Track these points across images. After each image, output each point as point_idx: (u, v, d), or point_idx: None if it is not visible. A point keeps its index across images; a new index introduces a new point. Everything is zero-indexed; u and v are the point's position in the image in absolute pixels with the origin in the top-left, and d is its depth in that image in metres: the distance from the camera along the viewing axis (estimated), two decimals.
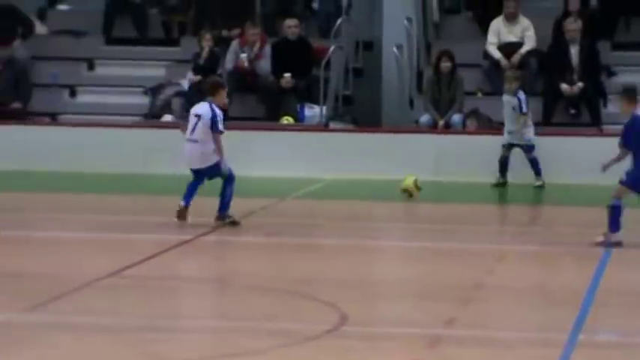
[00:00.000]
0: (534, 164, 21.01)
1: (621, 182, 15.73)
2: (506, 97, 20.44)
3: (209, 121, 16.26)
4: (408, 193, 19.27)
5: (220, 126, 16.37)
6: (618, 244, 15.39)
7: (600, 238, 15.46)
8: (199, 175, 16.75)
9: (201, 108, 16.53)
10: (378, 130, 23.24)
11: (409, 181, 19.36)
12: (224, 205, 16.62)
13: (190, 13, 25.09)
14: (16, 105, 22.98)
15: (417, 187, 19.38)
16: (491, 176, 21.00)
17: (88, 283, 12.66)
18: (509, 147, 20.81)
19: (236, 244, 16.56)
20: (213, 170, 16.59)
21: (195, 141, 16.42)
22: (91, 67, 24.17)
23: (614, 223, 15.50)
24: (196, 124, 16.38)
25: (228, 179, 16.63)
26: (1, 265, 13.98)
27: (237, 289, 13.55)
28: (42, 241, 16.51)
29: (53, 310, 11.99)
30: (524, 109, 19.94)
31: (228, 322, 11.77)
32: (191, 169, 16.79)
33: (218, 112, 16.42)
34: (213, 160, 16.50)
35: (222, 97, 17.10)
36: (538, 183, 21.00)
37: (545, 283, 14.59)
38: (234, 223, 16.57)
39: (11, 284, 13.05)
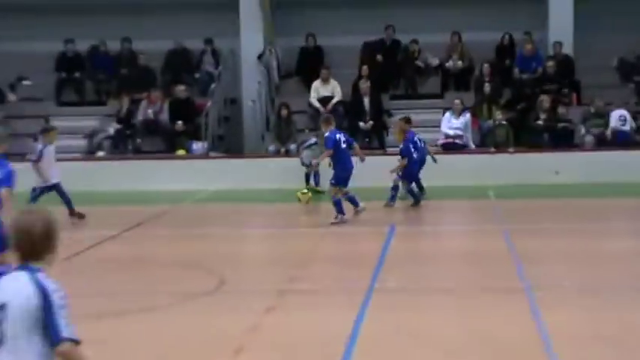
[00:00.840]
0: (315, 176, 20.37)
1: (331, 183, 16.24)
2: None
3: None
4: (298, 199, 18.96)
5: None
6: (344, 222, 15.84)
7: (333, 220, 15.86)
8: None
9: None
10: (242, 156, 23.25)
11: (298, 194, 19.09)
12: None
13: (114, 83, 24.74)
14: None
15: (302, 194, 19.10)
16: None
17: None
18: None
19: (153, 235, 16.06)
20: None
21: None
22: (46, 121, 23.67)
23: (340, 210, 15.94)
24: None
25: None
26: None
27: (148, 264, 13.38)
28: None
29: None
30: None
31: (138, 285, 11.88)
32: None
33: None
34: None
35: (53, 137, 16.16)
36: (318, 189, 20.15)
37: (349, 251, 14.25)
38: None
39: None
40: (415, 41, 24.24)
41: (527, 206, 18.81)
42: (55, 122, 23.75)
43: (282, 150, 22.69)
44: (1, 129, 18.29)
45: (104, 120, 24.07)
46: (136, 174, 21.69)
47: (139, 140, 23.23)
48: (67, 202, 16.70)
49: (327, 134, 16.54)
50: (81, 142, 23.56)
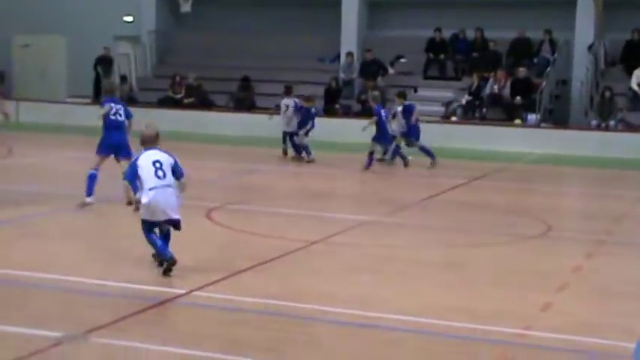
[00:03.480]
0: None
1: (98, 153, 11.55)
2: None
3: None
4: None
5: None
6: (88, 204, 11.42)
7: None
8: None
9: None
10: (567, 128, 22.30)
11: None
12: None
13: (468, 63, 24.30)
14: None
15: None
16: None
17: None
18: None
19: (494, 186, 15.65)
20: None
21: None
22: (415, 91, 24.43)
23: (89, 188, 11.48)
24: None
25: None
26: None
27: (489, 208, 13.09)
28: None
29: None
30: None
31: (480, 225, 11.71)
32: None
33: None
34: None
35: None
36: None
37: None
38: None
39: None
40: None
41: None
42: (421, 92, 24.58)
43: (603, 125, 21.65)
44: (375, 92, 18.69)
45: (459, 92, 24.03)
46: (482, 136, 21.64)
47: (484, 110, 23.10)
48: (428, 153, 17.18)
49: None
50: (440, 109, 23.70)
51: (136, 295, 7.39)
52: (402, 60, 25.33)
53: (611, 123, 21.59)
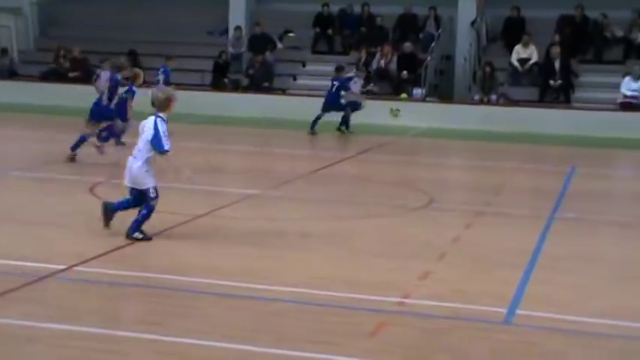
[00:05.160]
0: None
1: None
2: None
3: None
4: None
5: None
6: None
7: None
8: None
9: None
10: (452, 102, 22.79)
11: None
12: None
13: (355, 38, 24.76)
14: None
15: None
16: None
17: None
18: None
19: (379, 159, 15.94)
20: None
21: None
22: (303, 66, 24.59)
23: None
24: None
25: None
26: None
27: (374, 182, 13.22)
28: None
29: None
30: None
31: (365, 198, 11.72)
32: None
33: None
34: None
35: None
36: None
37: (535, 185, 14.13)
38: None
39: None
40: (604, 15, 23.09)
41: None
42: (309, 67, 24.63)
43: (485, 99, 22.20)
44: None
45: (347, 67, 24.01)
46: (371, 111, 21.36)
47: (372, 84, 23.31)
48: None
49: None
50: (328, 83, 23.59)
51: (13, 272, 7.20)
52: (291, 34, 25.35)
53: (493, 97, 22.17)
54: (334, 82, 19.41)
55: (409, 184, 13.21)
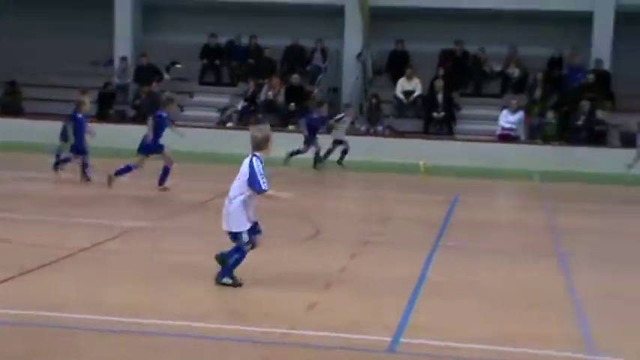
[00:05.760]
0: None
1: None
2: None
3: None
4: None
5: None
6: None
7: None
8: None
9: None
10: None
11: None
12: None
13: (243, 70, 24.66)
14: None
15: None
16: None
17: None
18: None
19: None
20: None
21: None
22: (190, 97, 24.47)
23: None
24: None
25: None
26: None
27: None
28: None
29: None
30: None
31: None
32: None
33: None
34: None
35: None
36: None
37: (420, 214, 14.80)
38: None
39: None
40: (482, 50, 23.93)
41: (565, 188, 18.41)
42: (197, 98, 24.55)
43: (371, 130, 22.65)
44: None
45: (234, 98, 24.23)
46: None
47: (260, 115, 23.34)
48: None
49: None
50: (216, 114, 23.83)
51: None
52: (178, 65, 25.22)
53: (379, 128, 22.61)
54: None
55: (297, 215, 13.20)
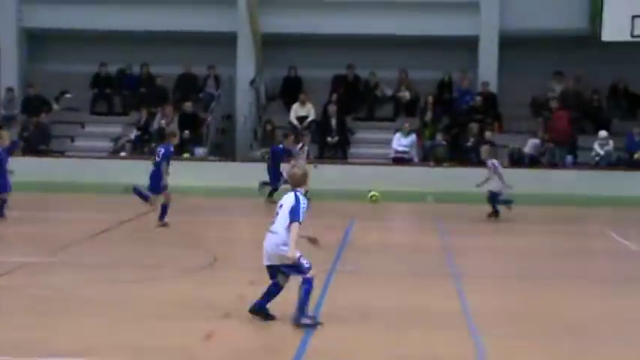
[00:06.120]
0: None
1: None
2: None
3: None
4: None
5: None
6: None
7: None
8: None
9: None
10: (234, 160, 23.07)
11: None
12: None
13: (135, 98, 24.44)
14: None
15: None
16: None
17: None
18: None
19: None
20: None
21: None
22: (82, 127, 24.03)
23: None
24: None
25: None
26: None
27: (160, 243, 13.12)
28: None
29: None
30: None
31: (150, 260, 11.70)
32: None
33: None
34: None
35: None
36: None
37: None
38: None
39: None
40: (373, 74, 24.36)
41: (457, 209, 18.80)
42: (88, 128, 24.09)
43: (266, 156, 22.41)
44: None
45: (127, 127, 23.98)
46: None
47: (153, 144, 23.08)
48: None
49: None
50: (109, 144, 23.50)
51: None
52: (68, 95, 24.58)
53: None
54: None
55: (192, 244, 13.11)
